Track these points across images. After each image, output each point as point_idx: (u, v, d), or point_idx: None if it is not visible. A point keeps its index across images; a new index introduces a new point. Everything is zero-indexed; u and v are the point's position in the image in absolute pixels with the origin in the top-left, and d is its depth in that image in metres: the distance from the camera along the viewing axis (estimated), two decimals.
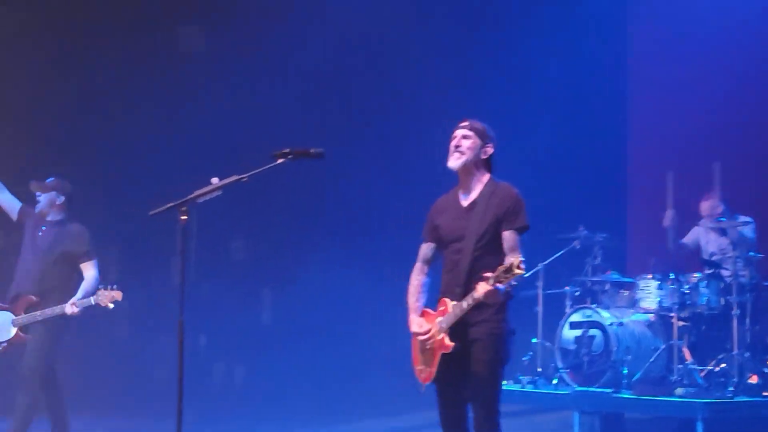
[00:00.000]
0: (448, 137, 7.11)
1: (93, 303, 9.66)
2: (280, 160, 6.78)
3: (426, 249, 7.20)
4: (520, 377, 12.19)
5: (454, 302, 6.82)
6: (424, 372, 7.00)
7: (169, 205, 6.70)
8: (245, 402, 14.13)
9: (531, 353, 12.45)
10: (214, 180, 6.75)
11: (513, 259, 6.52)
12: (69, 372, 13.19)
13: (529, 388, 12.02)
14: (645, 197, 14.41)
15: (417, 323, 7.02)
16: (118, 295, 9.71)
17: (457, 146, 7.01)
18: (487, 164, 7.06)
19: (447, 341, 6.81)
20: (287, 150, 6.77)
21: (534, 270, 12.22)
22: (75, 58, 14.54)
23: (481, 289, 6.58)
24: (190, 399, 6.71)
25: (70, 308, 9.65)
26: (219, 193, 6.74)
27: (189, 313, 6.69)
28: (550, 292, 12.44)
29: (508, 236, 6.84)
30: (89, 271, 9.99)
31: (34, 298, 9.77)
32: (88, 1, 14.86)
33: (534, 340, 12.36)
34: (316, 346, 14.19)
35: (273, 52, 14.65)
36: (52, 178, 10.18)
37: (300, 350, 14.21)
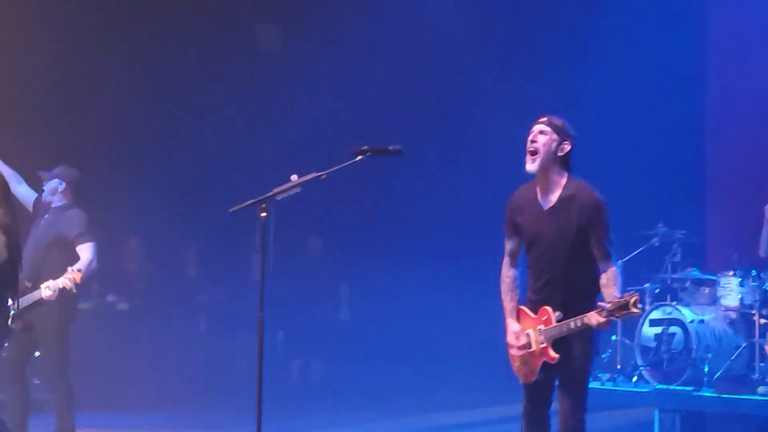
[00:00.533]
0: (524, 133, 7.06)
1: (60, 285, 9.16)
2: (358, 158, 6.83)
3: (510, 244, 7.15)
4: (600, 375, 12.12)
5: (558, 313, 6.85)
6: (523, 371, 7.04)
7: (249, 202, 6.78)
8: (322, 397, 14.20)
9: (610, 351, 12.38)
10: (293, 177, 6.81)
11: (629, 297, 6.61)
12: (150, 366, 13.44)
13: (608, 386, 11.95)
14: (725, 193, 14.25)
15: (513, 333, 7.04)
16: (77, 276, 9.18)
17: (532, 141, 6.92)
18: (565, 162, 6.97)
19: (552, 353, 6.87)
20: (365, 147, 6.82)
21: None
22: (155, 56, 14.70)
23: (594, 320, 6.67)
24: (267, 394, 6.75)
25: (45, 292, 9.19)
26: (298, 190, 6.79)
27: (267, 308, 6.72)
28: (629, 289, 12.31)
29: (597, 244, 6.86)
30: (84, 253, 9.53)
31: (28, 284, 9.39)
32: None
33: (613, 338, 12.29)
34: (392, 341, 14.23)
35: (350, 49, 14.71)
36: (60, 167, 10.05)
37: (377, 346, 14.26)
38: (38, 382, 12.81)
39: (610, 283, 6.80)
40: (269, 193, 6.74)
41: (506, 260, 7.15)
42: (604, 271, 6.84)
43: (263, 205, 6.70)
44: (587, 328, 6.75)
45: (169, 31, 14.71)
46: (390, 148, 6.85)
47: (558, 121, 6.99)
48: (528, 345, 6.96)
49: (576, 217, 6.83)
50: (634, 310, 6.58)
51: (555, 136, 6.92)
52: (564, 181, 6.94)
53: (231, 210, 6.87)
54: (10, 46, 13.51)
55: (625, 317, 6.73)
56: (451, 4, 14.46)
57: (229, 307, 14.31)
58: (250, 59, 15.16)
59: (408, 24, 14.51)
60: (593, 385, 11.79)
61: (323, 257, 15.37)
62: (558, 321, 6.85)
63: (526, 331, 6.97)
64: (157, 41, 14.67)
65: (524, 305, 7.07)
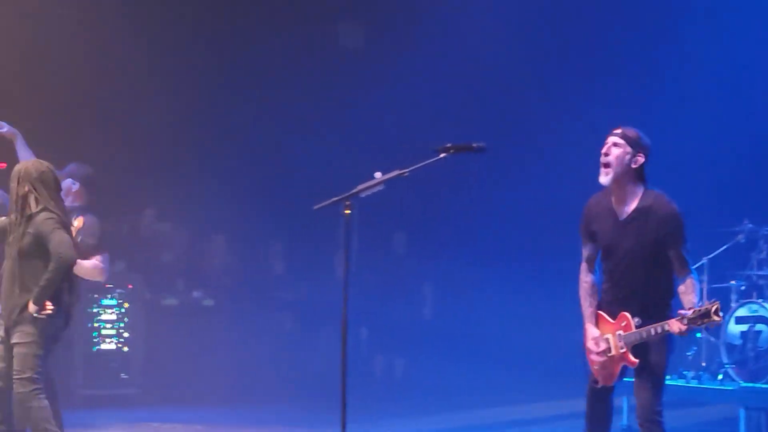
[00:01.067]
0: (605, 131, 7.09)
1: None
2: (441, 155, 6.84)
3: (587, 250, 7.22)
4: (685, 372, 12.02)
5: (637, 320, 6.93)
6: (602, 374, 7.13)
7: (333, 200, 6.81)
8: (404, 394, 14.24)
9: (695, 348, 12.27)
10: (377, 175, 6.84)
11: (710, 305, 6.67)
12: (234, 363, 13.57)
13: (693, 384, 11.84)
14: None
15: (593, 339, 7.11)
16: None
17: (605, 154, 6.95)
18: (640, 173, 7.00)
19: (632, 358, 6.96)
20: (449, 145, 6.83)
21: (698, 264, 12.02)
22: (241, 53, 14.84)
23: (675, 327, 6.75)
24: (350, 391, 6.79)
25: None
26: (381, 187, 6.82)
27: (350, 305, 6.74)
28: (715, 286, 12.23)
29: (675, 255, 6.92)
30: (86, 267, 8.91)
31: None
32: None
33: (698, 335, 12.17)
34: (474, 339, 14.23)
35: (433, 46, 14.73)
36: (71, 164, 9.45)
37: (459, 343, 14.27)
38: (126, 376, 13.04)
39: (688, 291, 6.89)
40: (353, 191, 6.77)
41: (584, 266, 7.22)
42: (682, 280, 6.91)
43: (347, 203, 6.73)
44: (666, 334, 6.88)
45: (254, 29, 14.84)
46: (474, 145, 6.85)
47: (632, 133, 7.01)
48: (608, 350, 7.06)
49: (653, 228, 6.89)
50: (716, 318, 6.68)
51: (628, 149, 6.96)
52: (640, 191, 7.01)
53: (315, 207, 6.92)
54: (98, 39, 13.70)
55: (706, 325, 6.76)
56: (535, 4, 14.41)
57: (313, 303, 14.39)
58: (333, 57, 15.25)
59: (491, 21, 14.49)
60: (678, 382, 11.74)
61: (407, 254, 15.40)
62: (637, 327, 6.94)
63: (605, 336, 7.07)
64: (242, 39, 14.81)
65: (602, 310, 7.14)
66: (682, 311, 6.76)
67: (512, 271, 14.18)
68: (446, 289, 15.06)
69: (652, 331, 6.83)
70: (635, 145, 6.96)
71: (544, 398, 13.19)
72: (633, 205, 6.97)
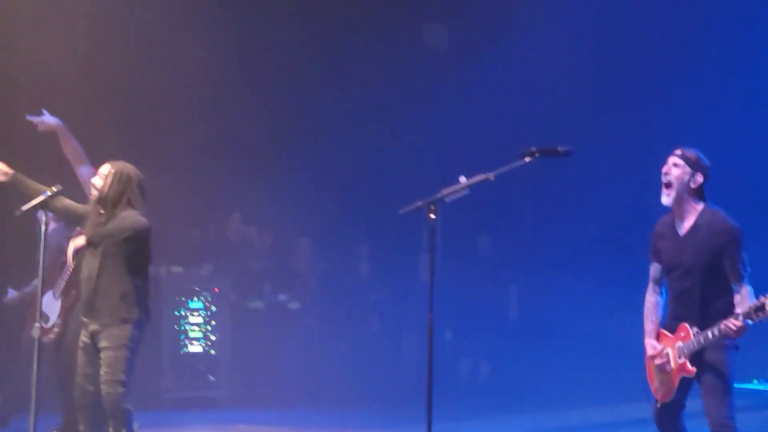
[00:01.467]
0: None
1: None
2: (527, 159, 6.86)
3: (654, 270, 7.45)
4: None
5: (695, 329, 7.05)
6: (661, 391, 7.28)
7: (418, 204, 6.86)
8: (489, 397, 14.22)
9: None
10: (462, 179, 6.87)
11: (765, 299, 6.71)
12: (320, 365, 13.65)
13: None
14: None
15: (651, 347, 7.29)
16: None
17: (666, 174, 7.21)
18: (699, 193, 7.24)
19: (689, 366, 7.07)
20: (534, 148, 6.84)
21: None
22: (325, 58, 14.92)
23: (731, 326, 6.83)
24: (435, 393, 6.83)
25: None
26: (466, 191, 6.85)
27: (435, 308, 6.78)
28: None
29: (731, 268, 7.06)
30: None
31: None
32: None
33: None
34: (560, 342, 14.17)
35: (519, 48, 14.69)
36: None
37: (544, 345, 14.22)
38: (213, 379, 13.18)
39: (744, 300, 6.94)
40: (438, 195, 6.82)
41: (650, 286, 7.45)
42: (738, 291, 7.03)
43: (432, 207, 6.78)
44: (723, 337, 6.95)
45: (338, 32, 14.92)
46: (559, 149, 6.88)
47: (691, 154, 7.27)
48: (667, 363, 7.20)
49: (710, 243, 7.08)
50: None
51: (688, 169, 7.22)
52: (700, 208, 7.22)
53: (401, 211, 6.98)
54: (184, 43, 13.86)
55: (763, 319, 6.76)
56: (623, 8, 14.32)
57: (398, 306, 14.43)
58: (417, 59, 15.28)
59: (577, 22, 14.42)
60: (756, 386, 11.56)
61: (491, 257, 15.39)
62: (695, 335, 7.06)
63: (665, 351, 7.21)
64: (328, 42, 14.89)
65: (664, 327, 7.30)
66: (737, 310, 6.86)
67: (597, 272, 14.10)
68: (530, 291, 15.01)
69: (709, 335, 6.93)
70: (694, 165, 7.20)
71: (634, 399, 13.07)
72: (691, 221, 7.21)
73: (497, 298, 15.17)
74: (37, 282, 8.06)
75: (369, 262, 15.08)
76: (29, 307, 10.01)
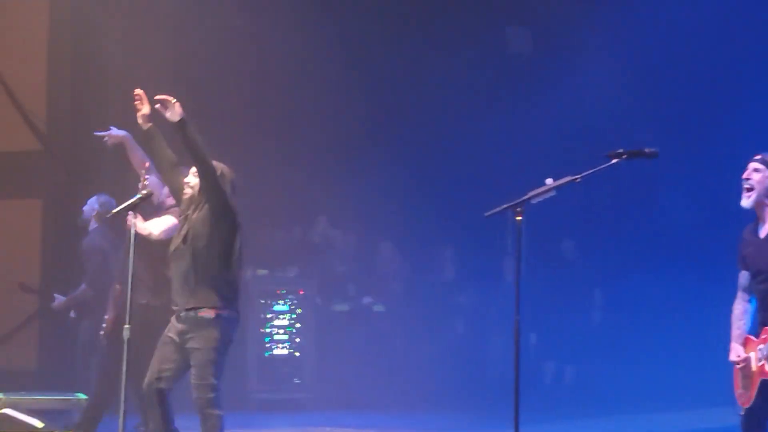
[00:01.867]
0: None
1: None
2: (614, 160, 6.82)
3: (741, 278, 7.40)
4: None
5: None
6: (744, 396, 7.21)
7: (505, 206, 6.84)
8: (575, 400, 14.14)
9: None
10: (548, 181, 6.84)
11: None
12: (405, 368, 13.67)
13: None
14: None
15: (735, 351, 7.25)
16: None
17: (746, 179, 7.22)
18: None
19: (767, 368, 7.00)
20: (621, 150, 6.80)
21: None
22: (410, 61, 14.96)
23: None
24: (521, 396, 6.79)
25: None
26: (553, 193, 6.83)
27: (521, 311, 6.74)
28: None
29: None
30: None
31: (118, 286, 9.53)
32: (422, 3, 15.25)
33: None
34: (644, 345, 14.05)
35: (603, 50, 14.60)
36: None
37: (629, 349, 14.11)
38: (298, 381, 13.26)
39: None
40: (525, 197, 6.79)
41: (738, 294, 7.40)
42: None
43: (518, 209, 6.76)
44: None
45: (420, 36, 14.94)
46: (647, 150, 6.83)
47: None
48: (749, 368, 7.14)
49: None
50: None
51: None
52: None
53: (486, 214, 6.96)
54: (279, 50, 13.97)
55: None
56: (710, 4, 14.16)
57: (482, 309, 14.41)
58: (502, 62, 15.26)
59: (663, 22, 14.30)
60: None
61: (576, 260, 15.31)
62: None
63: (749, 354, 7.16)
64: (412, 46, 14.92)
65: (753, 333, 7.25)
66: None
67: (681, 275, 13.96)
68: (615, 294, 14.89)
69: None
70: None
71: (721, 404, 12.92)
72: None
73: (582, 301, 15.08)
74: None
75: (454, 264, 15.08)
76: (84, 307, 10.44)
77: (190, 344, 7.77)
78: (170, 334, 7.89)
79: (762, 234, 7.19)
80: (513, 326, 6.76)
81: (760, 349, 7.08)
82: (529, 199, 6.81)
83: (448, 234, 14.73)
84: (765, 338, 7.07)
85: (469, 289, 14.83)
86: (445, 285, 14.93)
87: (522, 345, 6.82)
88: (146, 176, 8.52)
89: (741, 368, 7.20)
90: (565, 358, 15.02)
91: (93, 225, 10.55)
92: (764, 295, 7.16)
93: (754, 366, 7.11)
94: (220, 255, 7.82)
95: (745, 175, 7.22)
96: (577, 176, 6.83)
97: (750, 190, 7.19)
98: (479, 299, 14.59)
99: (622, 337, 14.27)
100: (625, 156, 6.82)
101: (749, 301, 7.34)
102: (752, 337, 7.23)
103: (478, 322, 14.51)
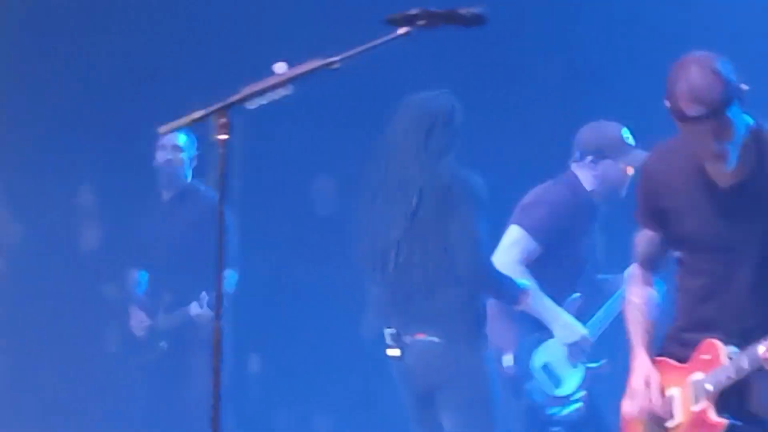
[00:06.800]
0: None
1: None
2: (401, 30, 3.59)
3: (648, 243, 4.54)
4: None
5: (731, 348, 4.17)
6: None
7: (196, 115, 3.55)
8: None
9: None
10: (279, 66, 3.58)
11: None
12: None
13: None
14: None
15: (644, 374, 4.38)
16: None
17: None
18: None
19: (714, 417, 4.13)
20: (417, 11, 3.57)
21: None
22: None
23: None
24: None
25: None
26: (287, 90, 3.55)
27: None
28: None
29: None
30: None
31: None
32: None
33: None
34: None
35: None
36: None
37: None
38: None
39: None
40: (234, 97, 3.52)
41: (636, 270, 4.64)
42: None
43: (221, 119, 3.49)
44: None
45: None
46: (463, 12, 3.62)
47: None
48: (668, 415, 4.26)
49: None
50: None
51: None
52: None
53: (162, 130, 3.64)
54: None
55: None
56: None
57: None
58: None
59: None
60: None
61: None
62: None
63: (668, 394, 4.29)
64: None
65: (667, 352, 4.43)
66: None
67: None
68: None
69: (746, 361, 4.07)
70: None
71: None
72: None
73: None
74: None
75: None
76: None
77: None
78: None
79: (722, 181, 4.22)
80: None
81: (696, 383, 4.14)
82: (242, 99, 3.53)
83: None
84: (710, 360, 4.16)
85: None
86: None
87: None
88: None
89: (648, 417, 4.23)
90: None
91: None
92: (712, 280, 4.25)
93: (681, 413, 4.20)
94: None
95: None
96: (333, 59, 3.58)
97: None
98: None
99: None
100: (424, 21, 3.58)
101: (655, 284, 4.47)
102: (669, 361, 4.31)
103: None
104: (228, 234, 7.18)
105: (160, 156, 7.53)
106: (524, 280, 6.05)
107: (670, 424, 4.22)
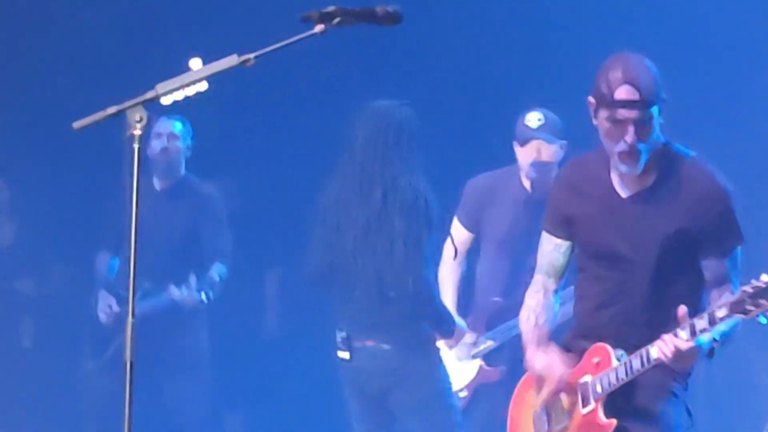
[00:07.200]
0: None
1: None
2: (317, 27, 3.60)
3: (553, 250, 4.61)
4: None
5: (619, 352, 4.27)
6: None
7: (111, 110, 3.53)
8: None
9: None
10: (194, 63, 3.58)
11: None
12: None
13: None
14: None
15: (542, 362, 4.49)
16: None
17: None
18: None
19: (603, 418, 4.21)
20: (333, 8, 3.58)
21: None
22: None
23: (673, 347, 4.10)
24: None
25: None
26: (202, 86, 3.54)
27: None
28: None
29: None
30: None
31: None
32: None
33: None
34: None
35: None
36: None
37: None
38: None
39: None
40: (148, 94, 3.52)
41: (538, 278, 4.71)
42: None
43: (137, 116, 3.48)
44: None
45: None
46: (378, 10, 3.65)
47: None
48: (561, 415, 4.37)
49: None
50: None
51: None
52: None
53: (76, 125, 3.61)
54: None
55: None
56: None
57: None
58: None
59: None
60: None
61: None
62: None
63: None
64: None
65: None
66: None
67: None
68: None
69: (638, 362, 4.15)
70: None
71: None
72: None
73: None
74: None
75: None
76: None
77: None
78: None
79: (623, 191, 4.35)
80: None
81: (585, 386, 4.23)
82: (157, 97, 3.52)
83: None
84: (599, 363, 4.24)
85: None
86: None
87: None
88: None
89: (543, 408, 4.34)
90: None
91: None
92: (609, 289, 4.33)
93: (567, 415, 4.33)
94: None
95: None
96: (248, 55, 3.58)
97: None
98: None
99: None
100: (339, 18, 3.59)
101: (555, 293, 4.55)
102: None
103: None
104: (222, 228, 7.29)
105: (156, 144, 7.27)
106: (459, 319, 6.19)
107: (557, 426, 4.33)
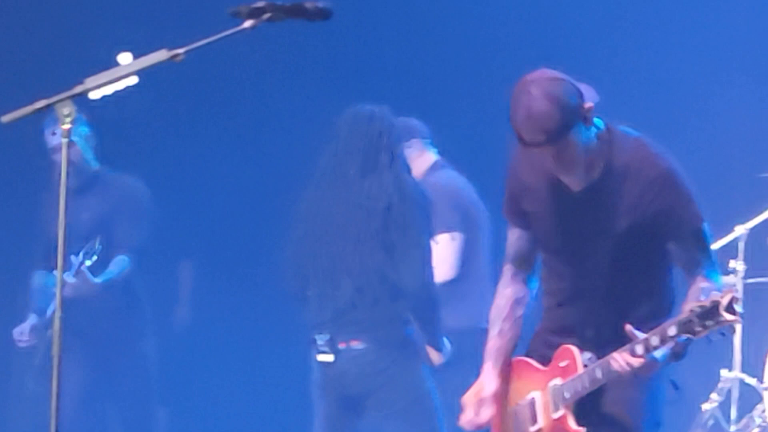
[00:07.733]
0: None
1: None
2: (246, 23, 3.60)
3: (518, 240, 4.54)
4: None
5: (588, 355, 4.22)
6: None
7: (39, 104, 3.52)
8: None
9: (723, 394, 6.98)
10: (123, 57, 3.57)
11: (721, 296, 3.88)
12: None
13: None
14: None
15: (478, 396, 4.44)
16: None
17: None
18: None
19: (573, 425, 4.17)
20: (264, 3, 3.58)
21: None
22: None
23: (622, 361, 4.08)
24: None
25: None
26: (132, 80, 3.54)
27: None
28: (755, 281, 7.14)
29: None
30: None
31: None
32: None
33: (728, 374, 7.03)
34: None
35: None
36: None
37: None
38: None
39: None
40: (76, 89, 3.50)
41: (508, 267, 4.61)
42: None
43: (65, 112, 3.47)
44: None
45: None
46: (307, 5, 3.65)
47: None
48: (532, 420, 4.30)
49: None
50: (728, 317, 3.81)
51: None
52: None
53: (4, 119, 3.60)
54: None
55: (717, 331, 3.88)
56: None
57: None
58: None
59: None
60: None
61: None
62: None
63: (530, 396, 4.33)
64: None
65: (533, 353, 4.49)
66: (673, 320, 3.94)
67: None
68: None
69: (600, 372, 4.09)
70: None
71: None
72: None
73: None
74: None
75: None
76: None
77: None
78: None
79: (574, 185, 4.23)
80: None
81: (555, 389, 4.19)
82: (86, 91, 3.51)
83: None
84: (566, 367, 4.18)
85: None
86: None
87: None
88: None
89: (513, 419, 4.31)
90: None
91: None
92: (569, 285, 4.28)
93: (542, 419, 4.24)
94: None
95: None
96: (179, 50, 3.57)
97: None
98: None
99: None
100: (271, 14, 3.59)
101: (527, 281, 4.45)
102: (532, 362, 4.34)
103: None
104: (135, 221, 7.15)
105: (52, 142, 6.88)
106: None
107: (532, 428, 4.28)
